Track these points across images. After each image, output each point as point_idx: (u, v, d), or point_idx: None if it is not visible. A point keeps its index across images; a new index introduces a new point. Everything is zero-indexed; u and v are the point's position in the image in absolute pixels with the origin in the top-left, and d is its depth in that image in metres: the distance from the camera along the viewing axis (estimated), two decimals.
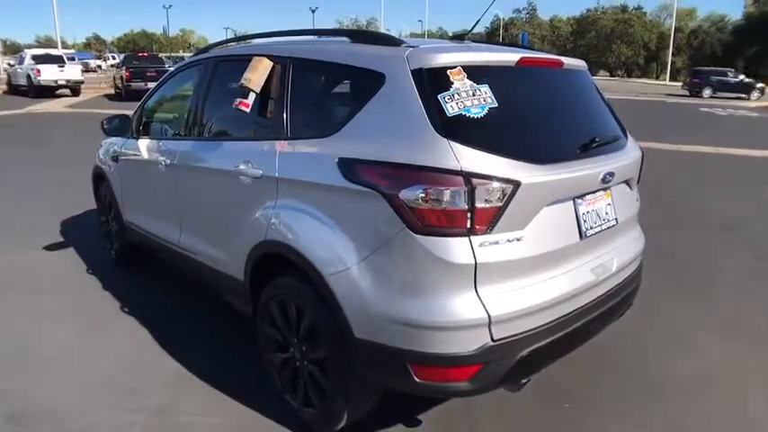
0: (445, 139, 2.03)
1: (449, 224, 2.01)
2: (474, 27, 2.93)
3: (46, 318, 3.68)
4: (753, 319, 3.86)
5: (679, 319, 3.79)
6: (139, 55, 23.17)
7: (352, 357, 2.25)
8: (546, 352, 2.25)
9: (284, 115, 2.61)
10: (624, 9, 65.76)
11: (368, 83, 2.27)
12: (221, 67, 3.23)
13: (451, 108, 2.09)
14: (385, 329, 2.11)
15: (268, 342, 2.74)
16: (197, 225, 3.23)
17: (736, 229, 5.98)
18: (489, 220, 2.04)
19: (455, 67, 2.17)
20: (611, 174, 2.50)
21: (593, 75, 3.39)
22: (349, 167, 2.19)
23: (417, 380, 2.10)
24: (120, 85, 20.58)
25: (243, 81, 2.69)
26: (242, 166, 2.71)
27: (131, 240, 4.29)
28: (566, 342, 2.35)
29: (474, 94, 2.15)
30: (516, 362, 2.13)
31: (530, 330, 2.16)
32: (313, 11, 63.33)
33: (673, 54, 54.18)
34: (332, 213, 2.28)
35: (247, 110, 2.69)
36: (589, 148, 2.47)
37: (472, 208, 2.00)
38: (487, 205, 2.02)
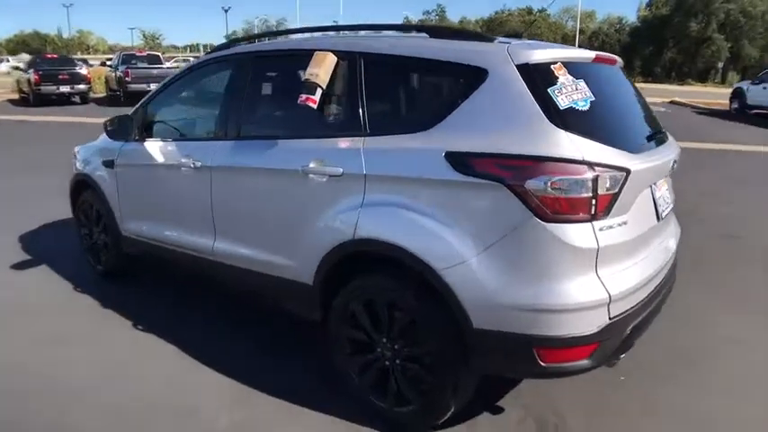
0: (564, 131, 2.09)
1: (575, 211, 2.07)
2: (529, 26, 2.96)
3: (59, 342, 3.30)
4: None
5: (692, 294, 4.02)
6: (48, 57, 21.32)
7: (469, 348, 2.23)
8: (639, 328, 2.38)
9: (360, 111, 2.52)
10: (530, 11, 69.23)
11: (468, 78, 2.27)
12: (264, 62, 3.06)
13: (562, 101, 2.16)
14: (509, 317, 2.12)
15: (345, 345, 2.64)
16: (242, 230, 3.00)
17: None
18: (607, 206, 2.13)
19: (556, 62, 2.25)
20: (676, 161, 2.68)
21: None
22: (461, 161, 2.17)
23: (542, 363, 2.14)
24: (26, 90, 18.86)
25: (309, 77, 2.55)
26: (312, 165, 2.58)
27: (131, 253, 3.96)
28: (649, 319, 2.49)
29: (577, 89, 2.24)
30: (623, 338, 2.25)
31: (631, 308, 2.29)
32: (226, 10, 61.58)
33: None
34: (439, 207, 2.23)
35: (315, 106, 2.56)
36: (653, 138, 2.65)
37: (595, 195, 2.08)
38: (607, 192, 2.11)
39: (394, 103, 2.60)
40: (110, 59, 23.94)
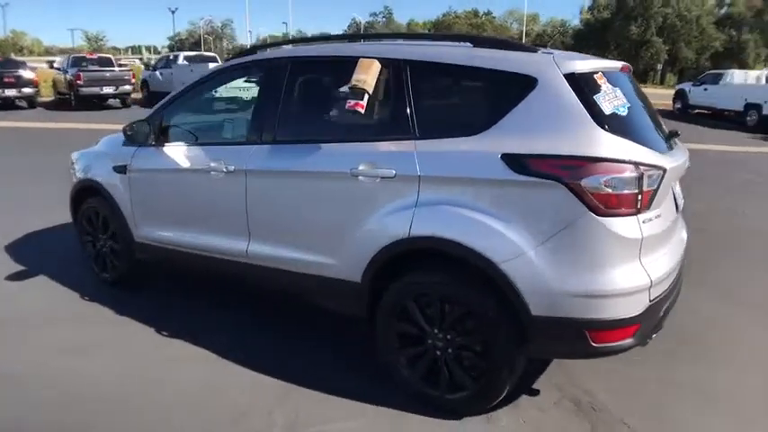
0: (611, 134, 2.33)
1: (623, 206, 2.30)
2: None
3: (81, 353, 3.25)
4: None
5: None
6: None
7: (526, 334, 2.40)
8: (668, 310, 2.65)
9: (409, 115, 2.64)
10: (476, 14, 70.85)
11: (518, 85, 2.45)
12: (302, 68, 3.12)
13: (606, 107, 2.40)
14: (564, 304, 2.32)
15: (393, 339, 2.75)
16: (280, 232, 3.05)
17: None
18: (649, 201, 2.38)
19: (597, 72, 2.50)
20: (688, 160, 2.94)
21: None
22: (518, 161, 2.35)
23: (593, 344, 2.35)
24: None
25: (356, 83, 2.65)
26: (362, 167, 2.68)
27: (144, 259, 3.93)
28: (675, 301, 2.74)
29: (616, 96, 2.49)
30: (658, 319, 2.51)
31: (663, 292, 2.54)
32: (173, 11, 60.16)
33: None
34: (496, 204, 2.40)
35: (363, 111, 2.67)
36: (669, 139, 2.90)
37: (640, 191, 2.31)
38: (649, 188, 2.36)
39: (444, 108, 2.75)
40: (51, 62, 22.90)
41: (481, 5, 71.20)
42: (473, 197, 2.44)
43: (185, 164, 3.42)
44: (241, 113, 3.26)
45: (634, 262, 2.36)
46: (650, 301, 2.42)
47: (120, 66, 20.81)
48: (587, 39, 49.28)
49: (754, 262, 5.00)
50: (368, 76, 2.66)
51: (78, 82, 17.34)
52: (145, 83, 21.41)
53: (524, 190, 2.35)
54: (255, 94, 3.25)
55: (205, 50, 39.66)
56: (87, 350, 3.28)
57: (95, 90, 17.55)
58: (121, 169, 3.82)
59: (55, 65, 21.05)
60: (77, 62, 18.66)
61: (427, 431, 2.61)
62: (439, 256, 2.56)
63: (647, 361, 3.16)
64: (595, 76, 2.48)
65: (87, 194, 4.21)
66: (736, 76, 18.84)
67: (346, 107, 2.67)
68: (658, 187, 2.41)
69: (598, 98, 2.40)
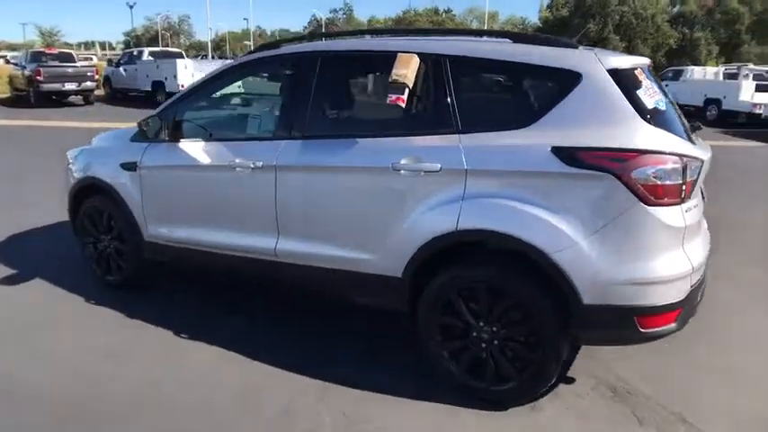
0: (655, 127, 2.40)
1: (669, 196, 2.37)
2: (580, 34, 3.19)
3: (108, 356, 3.13)
4: None
5: None
6: None
7: (577, 323, 2.45)
8: (702, 296, 2.74)
9: (451, 109, 2.65)
10: (437, 11, 71.18)
11: (563, 80, 2.50)
12: (336, 62, 3.07)
13: (648, 102, 2.48)
14: (615, 291, 2.38)
15: (436, 332, 2.75)
16: (313, 228, 3.00)
17: None
18: (690, 191, 2.46)
19: (636, 68, 2.57)
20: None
21: None
22: (569, 154, 2.38)
23: (641, 330, 2.43)
24: None
25: (396, 77, 2.63)
26: (405, 162, 2.66)
27: (158, 259, 3.81)
28: (704, 290, 2.81)
29: (654, 91, 2.56)
30: (695, 304, 2.60)
31: (700, 278, 2.64)
32: (131, 6, 58.21)
33: None
34: (546, 196, 2.43)
35: (404, 105, 2.65)
36: (692, 132, 2.97)
37: (684, 181, 2.39)
38: (690, 179, 2.43)
39: (487, 102, 2.76)
40: (5, 57, 21.94)
41: (441, 3, 71.25)
42: (522, 189, 2.46)
43: (205, 160, 3.32)
44: (265, 108, 3.16)
45: (678, 249, 2.44)
46: (690, 287, 2.51)
47: (83, 61, 20.08)
48: None
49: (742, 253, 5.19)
50: (408, 70, 2.65)
51: (38, 78, 16.63)
52: (107, 79, 20.74)
53: (575, 182, 2.39)
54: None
55: (163, 46, 38.64)
56: (110, 355, 3.16)
57: (57, 86, 16.87)
58: (131, 166, 3.68)
59: (11, 60, 20.13)
60: (37, 57, 17.90)
61: (474, 423, 2.63)
62: (485, 249, 2.57)
63: (669, 347, 3.24)
64: (636, 71, 2.55)
65: (88, 193, 4.05)
66: (696, 72, 19.56)
67: (387, 101, 2.65)
68: (698, 177, 2.49)
69: (640, 93, 2.47)
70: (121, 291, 4.00)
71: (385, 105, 2.68)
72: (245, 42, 52.66)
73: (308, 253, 3.03)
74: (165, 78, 17.55)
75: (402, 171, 2.67)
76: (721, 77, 18.63)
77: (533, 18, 63.40)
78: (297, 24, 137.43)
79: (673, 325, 2.49)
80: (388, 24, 73.77)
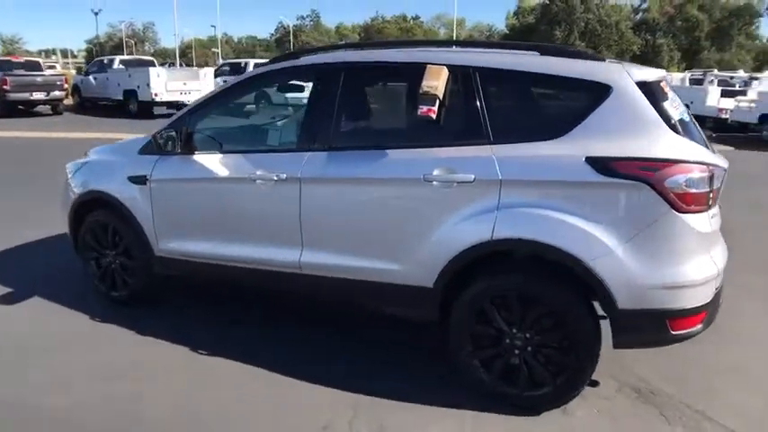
0: (684, 138, 2.51)
1: (698, 203, 2.46)
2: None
3: (120, 378, 3.06)
4: None
5: None
6: None
7: (612, 327, 2.52)
8: (721, 299, 2.81)
9: (482, 121, 2.69)
10: (405, 18, 71.73)
11: (593, 92, 2.57)
12: (361, 73, 3.10)
13: (675, 113, 2.58)
14: (649, 296, 2.46)
15: (468, 341, 2.77)
16: (341, 240, 2.99)
17: None
18: (715, 198, 2.57)
19: (661, 81, 2.67)
20: None
21: None
22: (603, 164, 2.46)
23: (672, 332, 2.52)
24: None
25: (428, 89, 2.67)
26: (437, 173, 2.69)
27: (168, 273, 3.74)
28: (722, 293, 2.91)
29: (678, 103, 2.66)
30: (717, 306, 2.70)
31: (722, 282, 2.73)
32: (96, 13, 56.94)
33: None
34: (581, 205, 2.49)
35: (434, 116, 2.68)
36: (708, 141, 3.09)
37: (711, 189, 2.49)
38: (716, 186, 2.53)
39: (518, 113, 2.80)
40: None
41: (408, 10, 71.86)
42: (557, 199, 2.52)
43: (222, 172, 3.28)
44: (286, 119, 3.14)
45: (706, 254, 2.54)
46: (715, 290, 2.60)
47: (50, 69, 19.57)
48: None
49: None
50: (438, 82, 2.68)
51: (5, 87, 16.16)
52: (76, 88, 20.26)
53: (609, 191, 2.47)
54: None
55: (127, 54, 37.88)
56: (130, 375, 3.09)
57: (24, 96, 16.44)
58: (140, 180, 3.61)
59: None
60: (2, 66, 17.39)
61: (509, 428, 2.66)
62: (518, 258, 2.62)
63: (679, 347, 3.32)
64: (661, 84, 2.65)
65: (91, 208, 3.95)
66: None
67: (419, 113, 2.68)
68: (721, 185, 2.60)
69: (666, 104, 2.57)
70: (128, 307, 3.89)
71: (415, 117, 2.71)
72: (213, 50, 52.04)
73: (334, 265, 3.02)
74: (138, 87, 17.23)
75: (434, 182, 2.70)
76: (687, 83, 19.25)
77: (501, 25, 64.52)
78: (263, 31, 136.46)
79: (699, 326, 2.58)
80: (356, 31, 74.18)
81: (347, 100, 3.04)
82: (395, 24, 70.58)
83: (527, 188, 2.57)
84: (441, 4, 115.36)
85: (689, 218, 2.44)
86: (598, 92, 2.55)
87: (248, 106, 4.00)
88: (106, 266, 3.96)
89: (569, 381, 2.65)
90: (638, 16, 47.89)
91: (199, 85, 17.51)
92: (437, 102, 2.67)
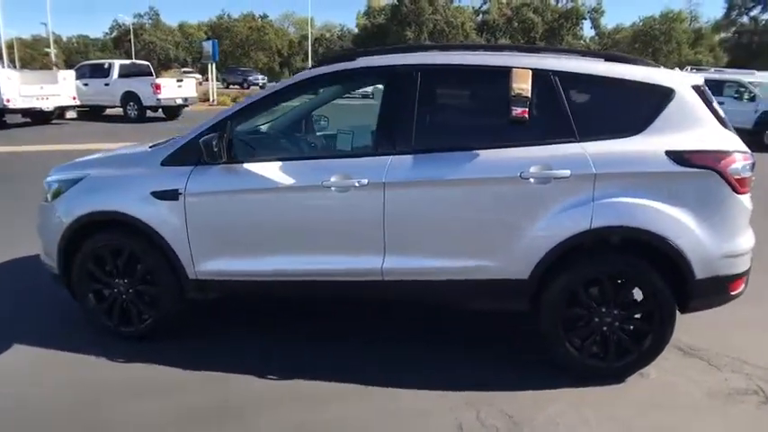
0: (729, 131, 2.98)
1: (746, 185, 2.95)
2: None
3: (228, 414, 2.84)
4: None
5: None
6: None
7: (690, 295, 2.92)
8: None
9: (568, 120, 2.94)
10: (253, 17, 69.92)
11: (661, 94, 2.97)
12: (440, 76, 3.16)
13: (720, 111, 3.04)
14: (717, 264, 2.92)
15: (560, 324, 3.02)
16: (431, 243, 3.05)
17: None
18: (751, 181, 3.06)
19: (704, 85, 3.11)
20: None
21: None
22: (680, 156, 2.86)
23: (731, 293, 3.01)
24: None
25: (519, 91, 2.85)
26: (534, 170, 2.88)
27: (203, 297, 3.47)
28: None
29: (717, 102, 3.12)
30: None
31: None
32: None
33: (303, 60, 61.42)
34: (664, 192, 2.86)
35: (527, 117, 2.87)
36: None
37: (752, 174, 2.98)
38: (753, 171, 3.03)
39: (597, 113, 3.06)
40: None
41: (253, 8, 70.05)
42: (644, 188, 2.86)
43: (285, 181, 3.11)
44: (360, 124, 3.08)
45: (749, 228, 3.06)
46: (750, 258, 3.11)
47: None
48: (366, 43, 52.44)
49: None
50: (527, 85, 2.87)
51: None
52: None
53: (685, 179, 2.87)
54: None
55: None
56: (210, 417, 2.83)
57: None
58: (169, 195, 3.26)
59: None
60: None
61: (609, 398, 2.95)
62: (612, 243, 2.92)
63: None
64: (705, 87, 3.09)
65: (90, 232, 3.48)
66: None
67: (513, 114, 2.85)
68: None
69: (714, 104, 3.03)
70: (146, 341, 3.49)
71: (506, 117, 2.88)
72: (46, 49, 46.16)
73: (421, 268, 3.07)
74: None
75: (531, 179, 2.89)
76: None
77: (351, 24, 65.73)
78: (98, 30, 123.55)
79: (743, 287, 3.08)
80: (203, 30, 70.72)
81: (427, 102, 3.09)
82: (244, 23, 68.59)
83: (618, 180, 2.88)
84: (286, 3, 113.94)
85: (743, 198, 2.92)
86: (664, 94, 2.94)
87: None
88: (114, 298, 3.53)
89: (653, 346, 3.02)
90: (480, 18, 51.86)
91: (58, 89, 15.58)
92: (528, 103, 2.86)
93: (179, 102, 18.20)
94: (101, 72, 18.07)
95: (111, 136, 13.30)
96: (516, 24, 48.72)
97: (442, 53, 3.38)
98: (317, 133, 3.82)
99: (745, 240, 3.00)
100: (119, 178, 3.50)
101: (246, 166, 3.20)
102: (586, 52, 3.36)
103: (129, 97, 17.50)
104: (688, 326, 3.59)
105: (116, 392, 3.00)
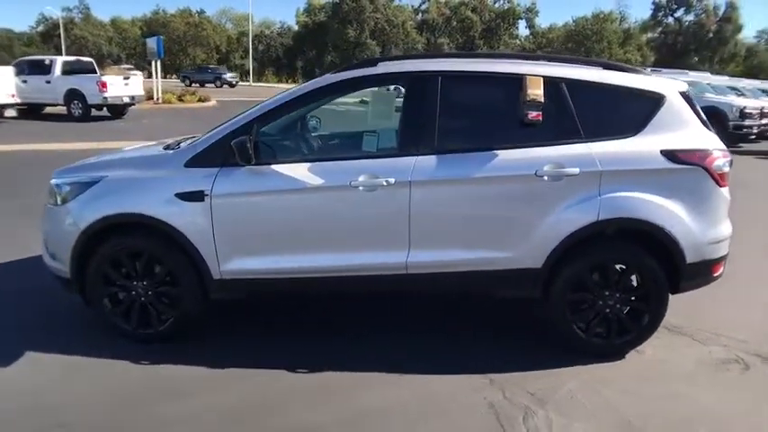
0: (711, 132, 3.39)
1: (725, 179, 3.37)
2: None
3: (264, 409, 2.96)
4: None
5: None
6: None
7: (681, 277, 3.31)
8: None
9: (575, 122, 3.25)
10: (190, 13, 67.93)
11: (653, 99, 3.34)
12: (460, 82, 3.39)
13: (702, 114, 3.44)
14: (705, 250, 3.32)
15: (567, 308, 3.35)
16: (453, 237, 3.29)
17: None
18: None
19: (688, 90, 3.49)
20: None
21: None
22: (673, 155, 3.23)
23: (714, 275, 3.43)
24: None
25: (534, 97, 3.15)
26: (548, 168, 3.18)
27: (227, 297, 3.57)
28: None
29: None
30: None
31: None
32: None
33: (243, 57, 60.48)
34: (660, 187, 3.22)
35: (541, 120, 3.17)
36: None
37: (729, 169, 3.39)
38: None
39: (599, 116, 3.36)
40: None
41: (192, 4, 68.11)
42: (643, 184, 3.21)
43: (314, 181, 3.26)
44: (385, 126, 3.29)
45: (727, 217, 3.47)
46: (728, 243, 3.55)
47: None
48: (307, 40, 52.09)
49: None
50: (540, 90, 3.17)
51: None
52: None
53: (677, 174, 3.24)
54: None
55: None
56: (250, 408, 2.98)
57: None
58: (195, 196, 3.33)
59: None
60: None
61: (616, 374, 3.28)
62: (616, 233, 3.26)
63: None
64: (688, 92, 3.47)
65: (107, 236, 3.49)
66: None
67: (529, 117, 3.14)
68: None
69: (696, 107, 3.42)
70: (169, 342, 3.55)
71: (521, 120, 3.18)
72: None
73: (444, 260, 3.31)
74: None
75: (545, 177, 3.18)
76: None
77: (291, 21, 65.06)
78: (21, 24, 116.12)
79: (723, 269, 3.51)
80: (138, 25, 68.14)
81: (448, 106, 3.31)
82: (180, 19, 66.55)
83: (620, 177, 3.21)
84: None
85: (724, 191, 3.34)
86: (656, 99, 3.32)
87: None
88: (132, 301, 3.56)
89: (650, 324, 3.40)
90: (419, 17, 52.66)
91: None
92: (541, 107, 3.15)
93: (126, 100, 17.51)
94: (41, 69, 17.16)
95: (56, 136, 12.89)
96: (455, 23, 49.89)
97: (462, 60, 3.65)
98: (312, 134, 4.03)
99: (726, 228, 3.42)
100: (140, 180, 3.50)
101: (274, 167, 3.32)
102: (588, 61, 3.69)
103: (72, 95, 16.72)
104: (670, 307, 4.04)
105: (148, 394, 3.05)
